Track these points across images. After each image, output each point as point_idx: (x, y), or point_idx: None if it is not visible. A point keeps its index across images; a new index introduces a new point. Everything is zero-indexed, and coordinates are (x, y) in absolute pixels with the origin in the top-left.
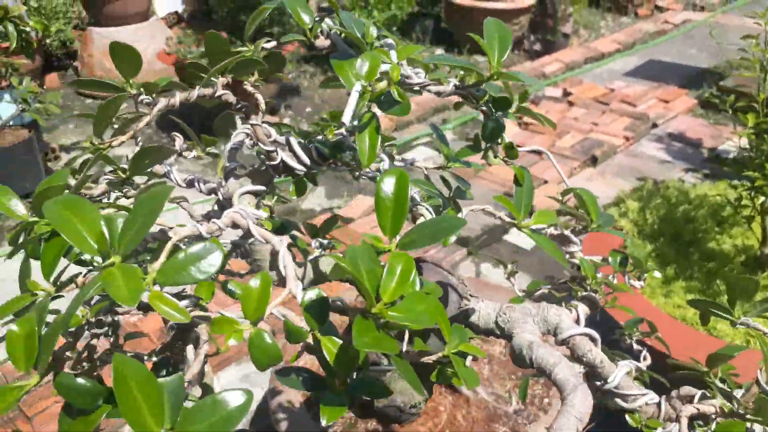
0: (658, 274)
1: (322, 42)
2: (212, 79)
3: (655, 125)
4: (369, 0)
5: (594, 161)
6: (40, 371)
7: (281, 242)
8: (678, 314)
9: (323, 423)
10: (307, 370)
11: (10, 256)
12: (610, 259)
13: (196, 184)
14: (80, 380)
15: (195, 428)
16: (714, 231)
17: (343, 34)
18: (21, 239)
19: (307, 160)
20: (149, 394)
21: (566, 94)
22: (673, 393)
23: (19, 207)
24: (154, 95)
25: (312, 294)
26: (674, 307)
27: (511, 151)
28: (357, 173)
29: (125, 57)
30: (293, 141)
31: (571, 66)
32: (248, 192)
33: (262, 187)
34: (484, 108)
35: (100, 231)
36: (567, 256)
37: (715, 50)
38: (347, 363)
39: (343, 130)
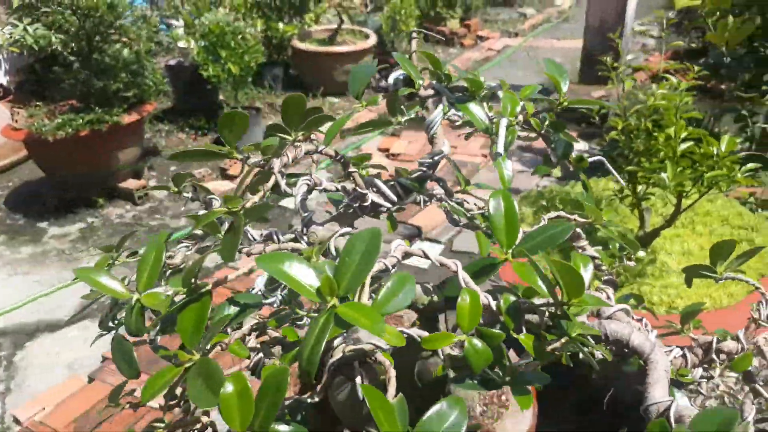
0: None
1: (425, 92)
2: None
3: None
4: (221, 54)
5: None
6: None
7: (457, 265)
8: None
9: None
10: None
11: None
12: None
13: (274, 236)
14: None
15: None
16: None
17: (452, 82)
18: (116, 314)
19: (394, 197)
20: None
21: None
22: (693, 343)
23: (115, 285)
24: None
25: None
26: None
27: (580, 162)
28: (444, 200)
29: None
30: (379, 182)
31: None
32: (342, 234)
33: (350, 228)
34: (543, 132)
35: (326, 277)
36: (580, 250)
37: (536, 69)
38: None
39: (424, 167)
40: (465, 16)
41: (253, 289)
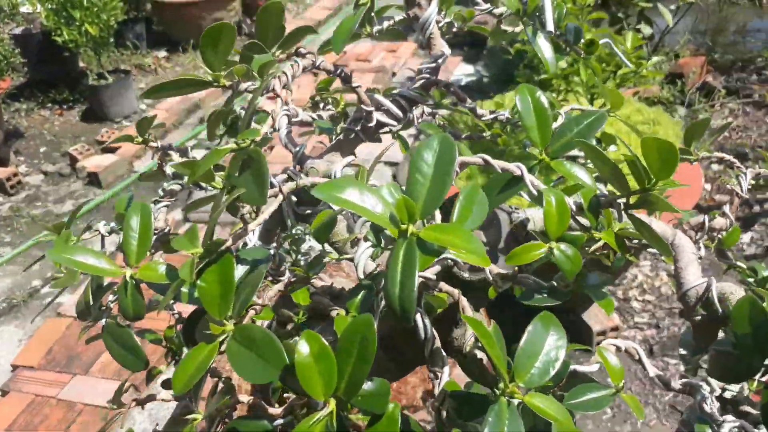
0: None
1: None
2: None
3: (393, 74)
4: (74, 15)
5: None
6: None
7: (521, 168)
8: None
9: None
10: None
11: None
12: None
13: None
14: None
15: None
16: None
17: None
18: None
19: (400, 113)
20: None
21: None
22: (685, 226)
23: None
24: None
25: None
26: None
27: (590, 47)
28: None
29: None
30: (382, 98)
31: None
32: (348, 164)
33: (353, 156)
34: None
35: (403, 199)
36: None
37: None
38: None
39: (426, 73)
40: None
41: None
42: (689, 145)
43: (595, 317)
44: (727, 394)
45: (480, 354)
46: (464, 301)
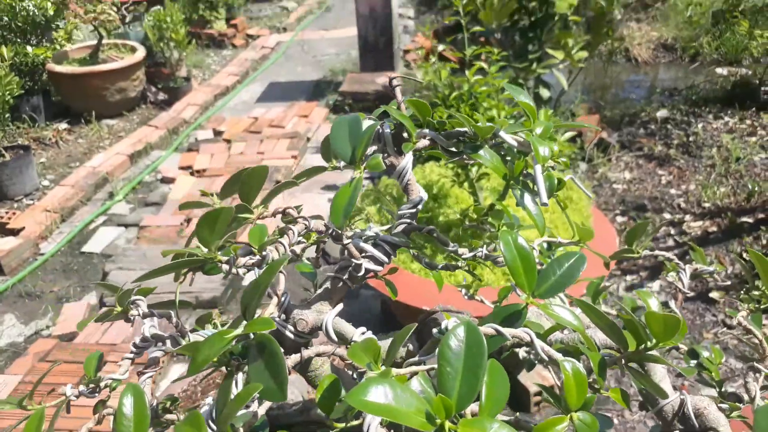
0: None
1: (421, 143)
2: None
3: (308, 139)
4: None
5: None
6: None
7: (530, 334)
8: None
9: None
10: None
11: None
12: None
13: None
14: None
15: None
16: (437, 208)
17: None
18: None
19: (386, 260)
20: None
21: (217, 133)
22: None
23: None
24: None
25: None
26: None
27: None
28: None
29: None
30: (369, 247)
31: (205, 106)
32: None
33: (341, 305)
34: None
35: (440, 398)
36: None
37: (314, 62)
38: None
39: (407, 218)
40: (229, 15)
41: None
42: (631, 245)
43: (530, 378)
44: None
45: None
46: None
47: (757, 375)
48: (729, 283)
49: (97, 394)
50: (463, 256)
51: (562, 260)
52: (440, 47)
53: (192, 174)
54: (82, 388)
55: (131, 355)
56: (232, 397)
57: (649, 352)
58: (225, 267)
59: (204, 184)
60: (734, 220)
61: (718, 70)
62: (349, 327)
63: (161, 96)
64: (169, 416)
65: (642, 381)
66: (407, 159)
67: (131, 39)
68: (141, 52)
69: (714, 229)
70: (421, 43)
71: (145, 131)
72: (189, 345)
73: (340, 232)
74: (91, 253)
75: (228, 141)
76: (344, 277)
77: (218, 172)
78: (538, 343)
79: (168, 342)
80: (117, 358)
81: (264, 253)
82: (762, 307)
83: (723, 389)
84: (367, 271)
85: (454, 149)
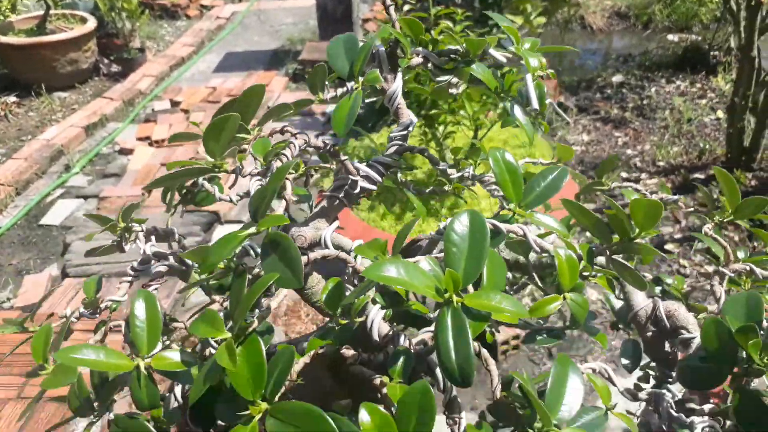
0: None
1: (415, 60)
2: None
3: (269, 107)
4: None
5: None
6: None
7: (525, 229)
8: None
9: None
10: None
11: None
12: None
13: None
14: None
15: None
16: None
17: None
18: None
19: (379, 179)
20: None
21: (175, 103)
22: None
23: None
24: None
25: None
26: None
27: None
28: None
29: None
30: (363, 166)
31: (161, 77)
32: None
33: (337, 222)
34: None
35: (450, 272)
36: None
37: (271, 32)
38: None
39: (398, 140)
40: None
41: None
42: (600, 178)
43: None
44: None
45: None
46: (485, 353)
47: (722, 279)
48: (682, 236)
49: (97, 316)
50: (451, 176)
51: (546, 173)
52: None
53: (151, 144)
54: (82, 310)
55: (129, 278)
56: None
57: (634, 242)
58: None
59: (163, 154)
60: (687, 177)
61: (670, 37)
62: (346, 240)
63: (115, 68)
64: (176, 323)
65: (624, 273)
66: (397, 83)
67: (80, 9)
68: (92, 23)
69: (669, 185)
70: (378, 12)
71: (99, 103)
72: (199, 249)
73: (336, 150)
74: (50, 225)
75: (186, 111)
76: (340, 196)
77: (178, 143)
78: (531, 237)
79: (170, 258)
80: (83, 326)
81: (270, 160)
82: (725, 220)
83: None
84: (362, 189)
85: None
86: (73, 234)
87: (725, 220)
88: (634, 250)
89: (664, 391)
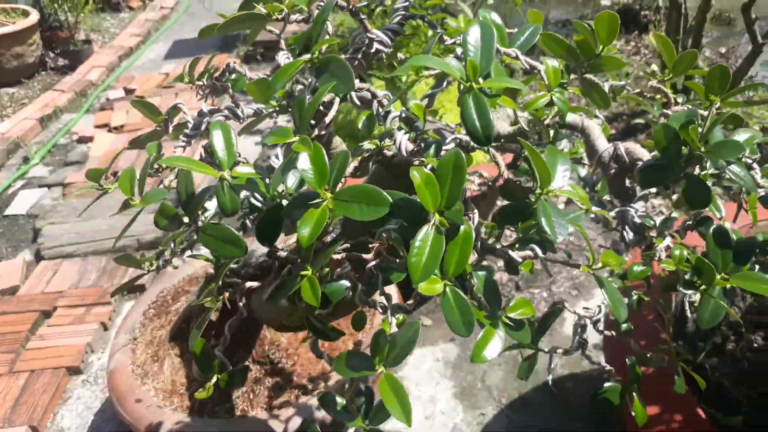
0: None
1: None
2: None
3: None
4: None
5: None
6: None
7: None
8: None
9: None
10: None
11: None
12: None
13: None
14: None
15: None
16: None
17: None
18: None
19: (389, 42)
20: None
21: (129, 91)
22: None
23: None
24: None
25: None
26: None
27: None
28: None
29: None
30: (376, 31)
31: (111, 67)
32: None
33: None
34: None
35: (471, 61)
36: None
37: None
38: None
39: (401, 11)
40: None
41: None
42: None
43: None
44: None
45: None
46: (493, 150)
47: (666, 117)
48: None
49: (159, 174)
50: (446, 42)
51: (523, 30)
52: None
53: (110, 131)
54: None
55: (183, 144)
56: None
57: (600, 57)
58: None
59: (124, 139)
60: (629, 122)
61: (603, 2)
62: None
63: (61, 61)
64: None
65: (592, 90)
66: None
67: (20, 2)
68: (35, 15)
69: (613, 131)
70: None
71: (51, 95)
72: (260, 81)
73: (356, 10)
74: (15, 215)
75: (142, 97)
76: (359, 57)
77: (137, 126)
78: (523, 58)
79: (226, 111)
80: (67, 303)
81: (312, 8)
82: (666, 78)
83: None
84: (377, 51)
85: None
86: (42, 220)
87: (665, 79)
88: (600, 65)
89: (628, 208)
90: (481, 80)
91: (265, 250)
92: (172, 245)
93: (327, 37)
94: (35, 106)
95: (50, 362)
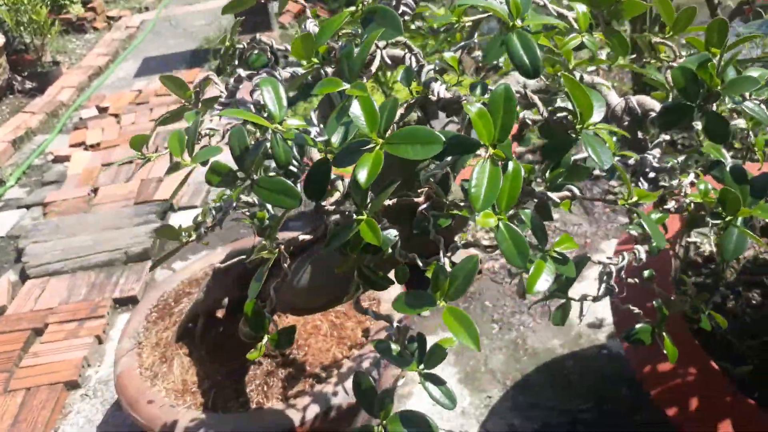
0: None
1: None
2: None
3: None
4: None
5: None
6: None
7: None
8: None
9: None
10: None
11: None
12: None
13: None
14: None
15: None
16: None
17: None
18: None
19: (413, 4)
20: None
21: (102, 109)
22: None
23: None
24: None
25: None
26: None
27: None
28: None
29: None
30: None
31: (81, 87)
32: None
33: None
34: None
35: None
36: None
37: (185, 35)
38: None
39: None
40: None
41: None
42: None
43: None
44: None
45: None
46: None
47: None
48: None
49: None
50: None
51: None
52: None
53: (86, 149)
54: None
55: (234, 88)
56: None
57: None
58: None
59: (101, 156)
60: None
61: None
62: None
63: (29, 84)
64: None
65: (612, 37)
66: None
67: None
68: (0, 38)
69: None
70: (290, 5)
71: (22, 117)
72: (303, 36)
73: None
74: None
75: (116, 115)
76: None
77: (114, 143)
78: (550, 4)
79: (264, 74)
80: (58, 319)
81: None
82: (667, 36)
83: None
84: (403, 13)
85: None
86: (25, 239)
87: (667, 36)
88: (621, 10)
89: (646, 155)
90: (519, 21)
91: (287, 235)
92: (212, 211)
93: None
94: (6, 129)
95: (46, 378)
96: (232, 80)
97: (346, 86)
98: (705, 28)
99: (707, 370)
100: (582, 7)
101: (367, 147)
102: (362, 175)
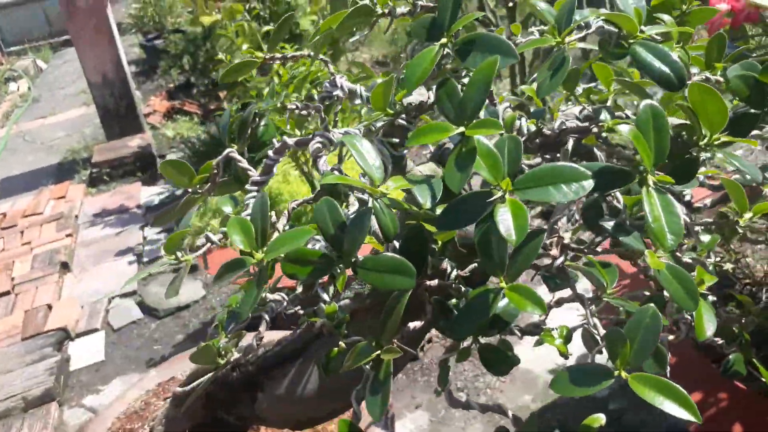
0: None
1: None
2: None
3: (76, 216)
4: None
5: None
6: None
7: None
8: None
9: None
10: None
11: None
12: None
13: None
14: None
15: None
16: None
17: None
18: None
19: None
20: None
21: None
22: None
23: None
24: None
25: None
26: None
27: None
28: None
29: None
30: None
31: None
32: None
33: None
34: None
35: None
36: None
37: (45, 149)
38: None
39: None
40: None
41: None
42: None
43: None
44: None
45: None
46: None
47: None
48: None
49: None
50: None
51: None
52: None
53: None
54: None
55: (272, 161)
56: None
57: None
58: None
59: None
60: None
61: None
62: None
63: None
64: None
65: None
66: None
67: None
68: None
69: None
70: (156, 105)
71: None
72: (382, 83)
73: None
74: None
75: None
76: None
77: None
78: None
79: (318, 137)
80: None
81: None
82: None
83: None
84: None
85: None
86: None
87: None
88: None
89: None
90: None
91: (272, 337)
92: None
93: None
94: None
95: None
96: (270, 153)
97: (460, 129)
98: (704, 47)
99: (736, 391)
100: None
101: (495, 197)
102: (509, 231)
